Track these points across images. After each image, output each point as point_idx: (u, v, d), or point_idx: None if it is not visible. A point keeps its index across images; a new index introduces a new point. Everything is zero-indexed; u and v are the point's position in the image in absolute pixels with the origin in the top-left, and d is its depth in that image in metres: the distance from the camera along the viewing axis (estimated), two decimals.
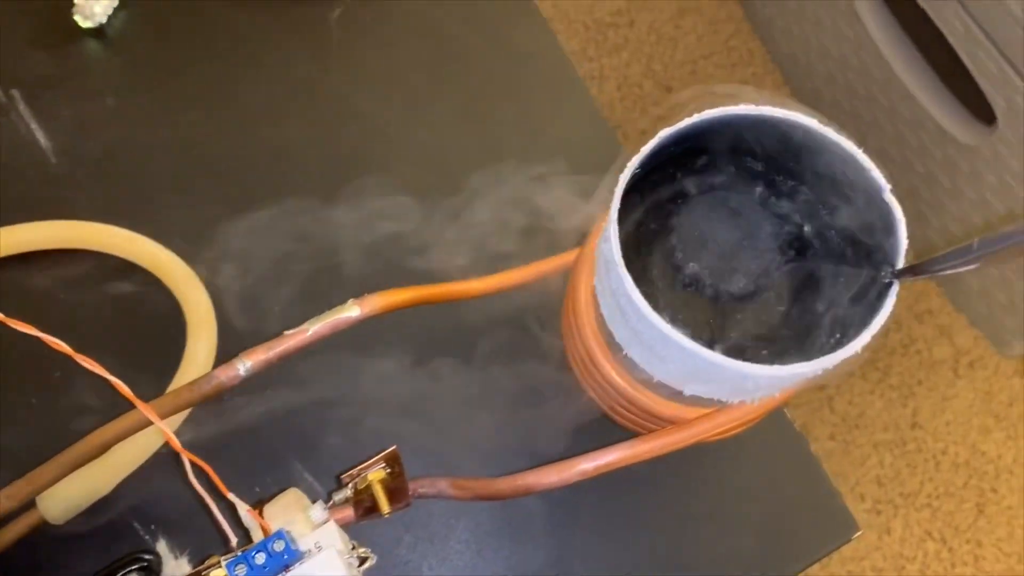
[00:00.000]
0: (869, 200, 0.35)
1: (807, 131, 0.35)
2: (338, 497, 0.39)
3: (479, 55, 0.57)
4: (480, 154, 0.53)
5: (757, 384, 0.35)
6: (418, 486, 0.41)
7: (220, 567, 0.34)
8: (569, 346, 0.43)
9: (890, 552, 1.17)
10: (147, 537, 0.43)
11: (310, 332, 0.40)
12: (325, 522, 0.37)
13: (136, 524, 0.43)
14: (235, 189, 0.52)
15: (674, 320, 0.33)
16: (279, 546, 0.34)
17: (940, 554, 1.18)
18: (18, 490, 0.38)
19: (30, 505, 0.41)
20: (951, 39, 1.01)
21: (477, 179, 0.51)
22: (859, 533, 0.47)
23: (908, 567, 1.17)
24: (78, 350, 0.39)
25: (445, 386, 0.46)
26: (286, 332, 0.40)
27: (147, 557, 0.40)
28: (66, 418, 0.44)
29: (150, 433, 0.41)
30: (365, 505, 0.39)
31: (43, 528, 0.41)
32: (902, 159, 1.20)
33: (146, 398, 0.39)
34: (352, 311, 0.41)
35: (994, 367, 1.26)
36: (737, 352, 0.33)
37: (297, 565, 0.34)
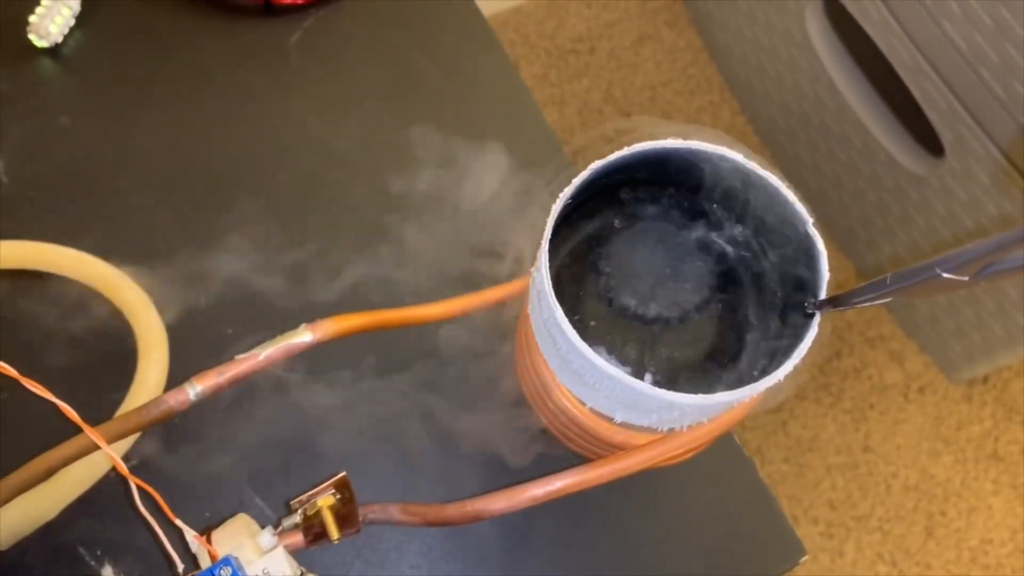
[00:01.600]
0: (794, 232, 0.36)
1: (734, 165, 0.37)
2: (287, 523, 0.39)
3: (436, 80, 0.58)
4: (436, 178, 0.54)
5: (684, 412, 0.36)
6: (368, 512, 0.41)
7: None
8: (521, 371, 0.44)
9: (843, 575, 1.19)
10: (93, 563, 0.43)
11: (262, 356, 0.40)
12: (274, 548, 0.37)
13: (82, 550, 0.43)
14: (189, 211, 0.51)
15: (607, 349, 0.34)
16: (226, 572, 0.34)
17: None
18: None
19: None
20: (901, 72, 1.04)
21: (432, 204, 0.51)
22: (805, 557, 0.48)
23: None
24: (26, 373, 0.39)
25: (397, 412, 0.46)
26: (238, 356, 0.40)
27: None
28: (12, 442, 0.43)
29: (97, 457, 0.41)
30: (315, 531, 0.39)
31: None
32: (854, 187, 1.22)
33: (95, 422, 0.38)
34: (304, 336, 0.41)
35: (943, 392, 1.29)
36: (668, 380, 0.34)
37: None
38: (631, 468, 0.40)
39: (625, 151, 0.36)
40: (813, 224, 0.35)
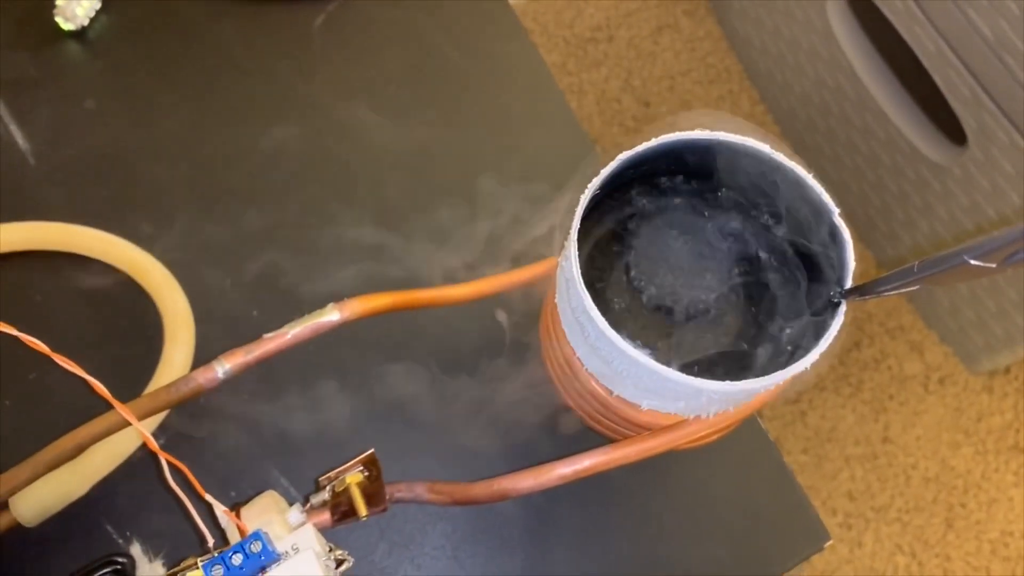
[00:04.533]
0: (820, 222, 0.36)
1: (759, 156, 0.37)
2: (315, 500, 0.39)
3: (460, 66, 0.58)
4: (459, 163, 0.54)
5: (711, 399, 0.36)
6: (395, 490, 0.41)
7: (197, 568, 0.34)
8: (547, 352, 0.44)
9: (861, 566, 1.18)
10: (121, 540, 0.43)
11: (289, 335, 0.40)
12: (302, 524, 0.37)
13: (110, 527, 0.43)
14: (214, 193, 0.52)
15: (633, 337, 0.34)
16: (256, 547, 0.34)
17: (910, 568, 1.19)
18: None
19: (2, 507, 0.40)
20: (924, 60, 1.03)
21: (457, 188, 0.51)
22: (829, 542, 0.48)
23: None
24: (55, 351, 0.39)
25: (424, 391, 0.46)
26: (265, 335, 0.40)
27: (121, 560, 0.40)
28: (41, 419, 0.43)
29: (126, 435, 0.41)
30: (342, 508, 0.39)
31: (16, 530, 0.41)
32: (875, 178, 1.22)
33: (123, 400, 0.38)
34: (332, 315, 0.41)
35: (963, 383, 1.28)
36: (693, 368, 0.34)
37: (274, 566, 0.34)
38: (659, 448, 0.40)
39: (652, 142, 0.36)
40: (839, 215, 0.35)
